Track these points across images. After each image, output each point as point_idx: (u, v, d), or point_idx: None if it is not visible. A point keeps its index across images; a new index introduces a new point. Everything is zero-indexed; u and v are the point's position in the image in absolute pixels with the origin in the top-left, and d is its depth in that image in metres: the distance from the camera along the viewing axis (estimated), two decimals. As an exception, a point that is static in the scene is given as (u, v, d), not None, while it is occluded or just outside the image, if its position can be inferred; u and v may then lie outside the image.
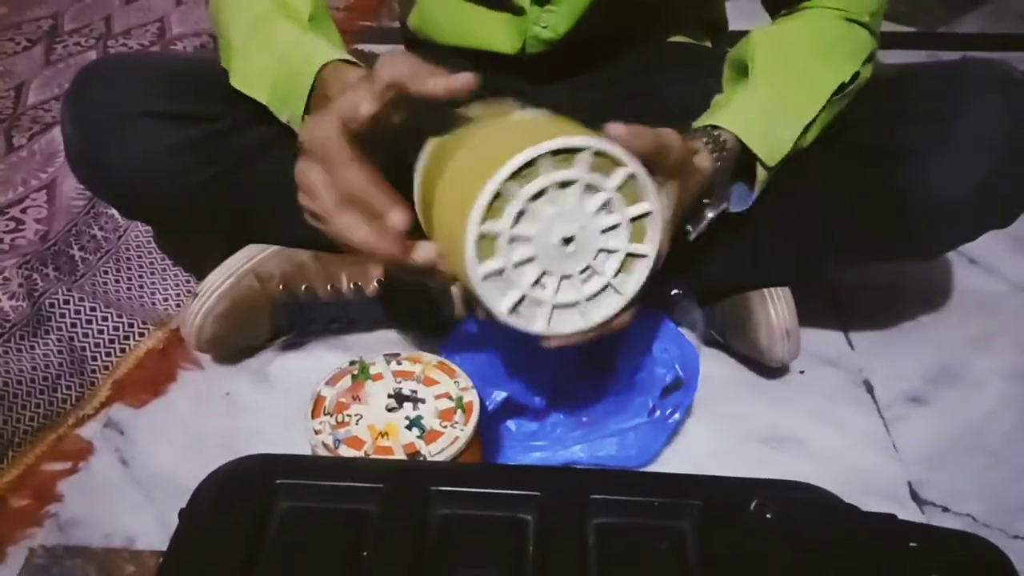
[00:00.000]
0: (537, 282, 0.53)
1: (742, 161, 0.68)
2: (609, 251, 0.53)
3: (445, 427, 0.59)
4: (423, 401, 0.61)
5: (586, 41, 0.84)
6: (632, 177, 0.50)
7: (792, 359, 0.81)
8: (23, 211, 0.88)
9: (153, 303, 0.89)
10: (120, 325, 0.84)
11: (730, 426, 0.79)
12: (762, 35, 0.71)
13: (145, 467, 0.75)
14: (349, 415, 0.60)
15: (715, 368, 0.84)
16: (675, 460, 0.75)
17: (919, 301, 0.94)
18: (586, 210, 0.51)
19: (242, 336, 0.82)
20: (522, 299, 0.53)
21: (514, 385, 0.72)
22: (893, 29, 0.73)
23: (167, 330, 0.87)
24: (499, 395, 0.70)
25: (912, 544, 0.45)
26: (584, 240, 0.52)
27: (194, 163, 0.73)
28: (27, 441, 0.74)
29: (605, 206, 0.51)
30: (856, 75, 0.69)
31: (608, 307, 0.55)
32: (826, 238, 0.74)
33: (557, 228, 0.51)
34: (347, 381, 0.63)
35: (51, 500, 0.71)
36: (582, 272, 0.53)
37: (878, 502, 0.72)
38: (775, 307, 0.78)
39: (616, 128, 0.52)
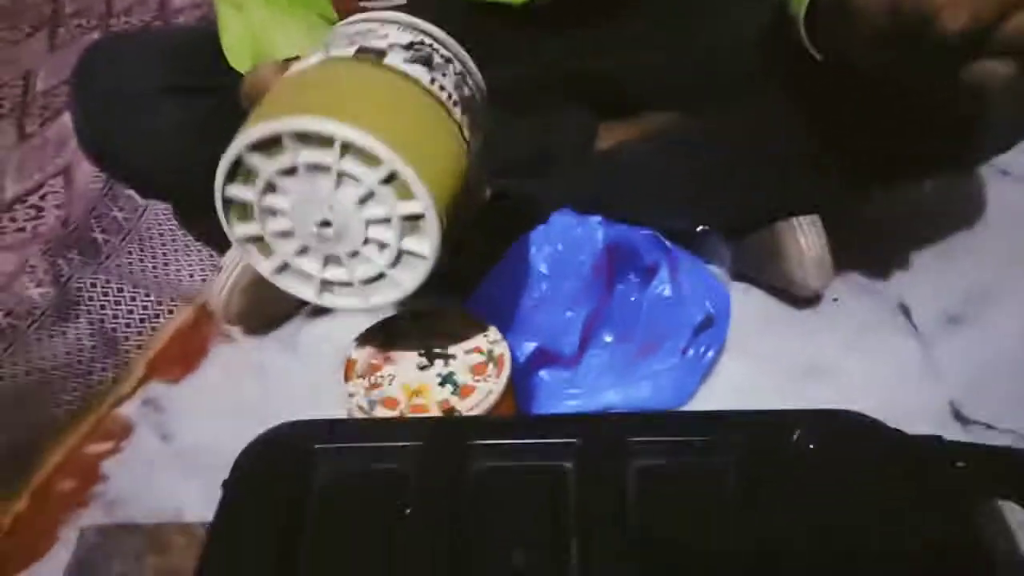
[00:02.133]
0: (300, 253, 0.52)
1: None
2: (379, 243, 0.51)
3: (478, 381, 0.59)
4: (454, 357, 0.61)
5: None
6: (395, 173, 0.47)
7: (825, 287, 0.79)
8: (42, 198, 0.88)
9: (179, 280, 0.90)
10: (149, 304, 0.84)
11: (765, 361, 0.78)
12: None
13: (185, 441, 0.76)
14: (382, 376, 0.60)
15: (746, 303, 0.82)
16: (711, 399, 0.75)
17: (952, 219, 0.91)
18: (343, 198, 0.49)
19: (269, 306, 0.82)
20: (286, 265, 0.53)
21: (544, 334, 0.71)
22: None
23: (196, 306, 0.87)
24: (530, 345, 0.70)
25: (959, 464, 0.44)
26: (347, 226, 0.50)
27: (201, 137, 0.72)
28: (68, 424, 0.76)
29: (370, 197, 0.49)
30: None
31: (387, 294, 0.53)
32: (852, 157, 0.72)
33: (311, 209, 0.50)
34: (377, 342, 0.63)
35: (96, 481, 0.73)
36: (352, 256, 0.52)
37: (920, 425, 0.69)
38: (805, 235, 0.76)
39: None
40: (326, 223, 0.50)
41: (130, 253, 0.88)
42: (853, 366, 0.77)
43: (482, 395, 0.58)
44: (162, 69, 0.71)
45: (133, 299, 0.84)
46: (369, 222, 0.50)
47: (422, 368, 0.61)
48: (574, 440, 0.47)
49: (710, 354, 0.73)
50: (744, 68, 0.81)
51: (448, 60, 0.55)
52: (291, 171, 0.49)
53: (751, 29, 0.81)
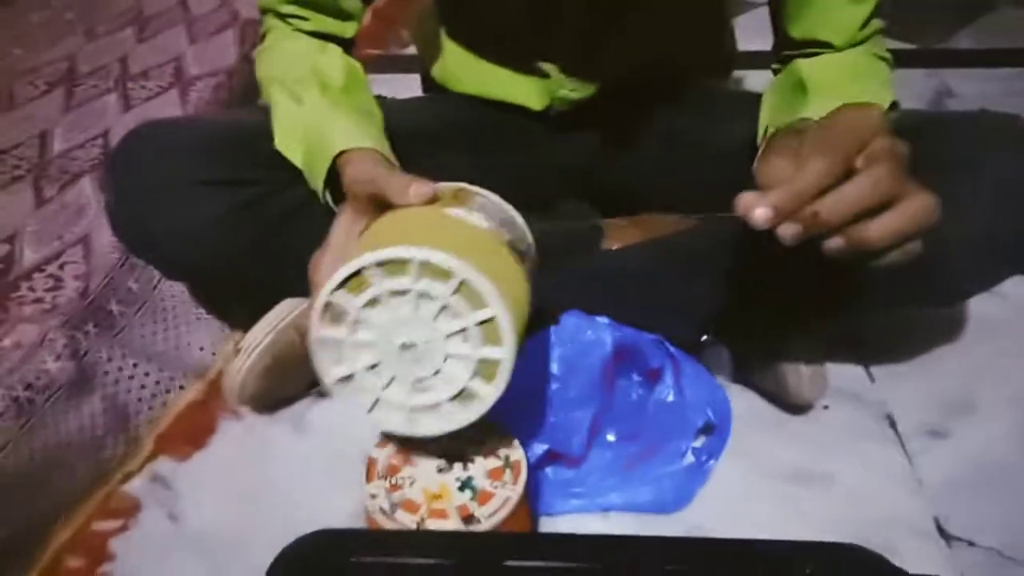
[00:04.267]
0: (389, 385, 0.56)
1: None
2: (459, 356, 0.55)
3: (496, 487, 0.61)
4: (472, 461, 0.64)
5: (614, 94, 0.87)
6: (465, 283, 0.52)
7: (819, 399, 0.83)
8: (61, 267, 0.90)
9: (191, 353, 0.91)
10: (161, 379, 0.86)
11: (758, 464, 0.81)
12: (809, 64, 0.73)
13: (193, 522, 0.77)
14: (402, 478, 0.62)
15: (739, 404, 0.86)
16: (708, 501, 0.77)
17: (933, 330, 0.96)
18: (423, 317, 0.54)
19: (283, 388, 0.84)
20: (377, 401, 0.57)
21: (554, 434, 0.74)
22: (891, 46, 0.75)
23: (206, 381, 0.89)
24: (541, 447, 0.73)
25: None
26: (428, 346, 0.55)
27: (239, 227, 0.75)
28: (77, 502, 0.76)
29: (445, 311, 0.53)
30: (894, 105, 0.70)
31: (470, 411, 0.57)
32: (840, 287, 0.76)
33: (396, 335, 0.54)
34: (397, 441, 0.65)
35: (104, 559, 0.73)
36: (435, 375, 0.56)
37: (906, 538, 0.74)
38: (801, 349, 0.80)
39: (745, 199, 0.48)
40: (408, 345, 0.55)
41: (143, 325, 0.90)
42: (842, 475, 0.80)
43: (500, 502, 0.60)
44: (202, 161, 0.74)
45: (147, 374, 0.85)
46: (449, 335, 0.54)
47: (440, 471, 0.63)
48: (600, 564, 0.49)
49: (712, 462, 0.76)
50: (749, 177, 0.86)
51: (497, 215, 0.62)
52: (373, 302, 0.54)
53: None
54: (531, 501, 0.74)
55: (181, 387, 0.87)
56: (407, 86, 1.06)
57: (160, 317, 0.92)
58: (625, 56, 0.86)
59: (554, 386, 0.76)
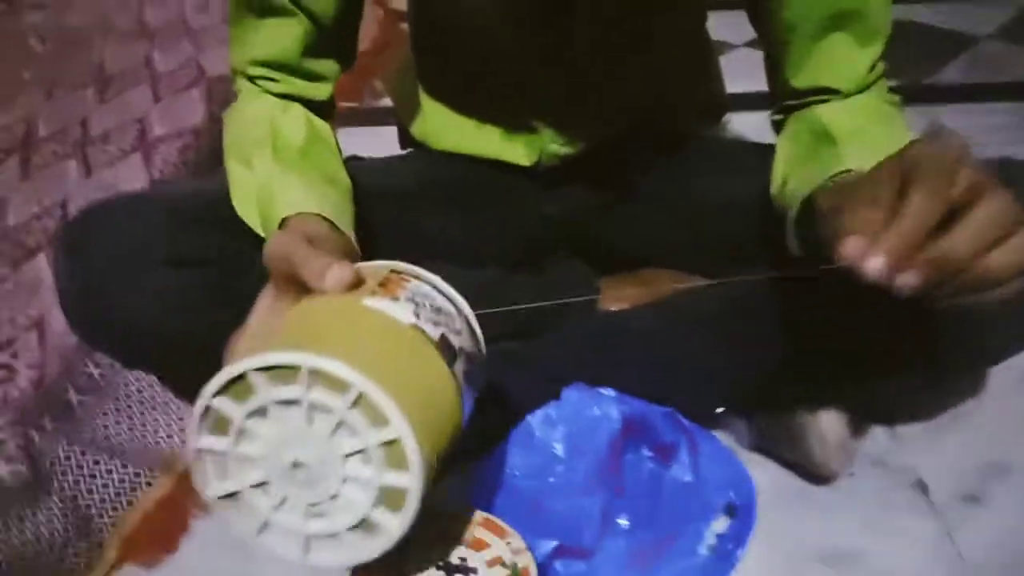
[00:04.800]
0: (280, 506, 0.48)
1: None
2: (359, 480, 0.47)
3: (503, 602, 0.54)
4: (475, 571, 0.56)
5: (605, 147, 0.81)
6: (364, 396, 0.44)
7: (846, 470, 0.77)
8: (13, 356, 0.82)
9: (157, 442, 0.84)
10: (126, 476, 0.78)
11: (784, 544, 0.74)
12: (830, 111, 0.68)
13: (164, 638, 0.69)
14: (396, 596, 0.55)
15: (760, 476, 0.79)
16: (734, 590, 0.71)
17: (959, 385, 0.90)
18: (317, 433, 0.46)
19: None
20: (266, 524, 0.49)
21: (562, 527, 0.67)
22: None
23: (175, 474, 0.81)
24: (549, 544, 0.66)
25: None
26: (323, 467, 0.47)
27: (209, 308, 0.68)
28: (34, 621, 0.68)
29: (342, 428, 0.46)
30: None
31: (374, 542, 0.48)
32: (871, 358, 0.70)
33: (285, 451, 0.47)
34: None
35: None
36: (332, 499, 0.48)
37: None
38: (826, 417, 0.74)
39: (852, 246, 0.43)
40: (299, 464, 0.47)
41: (105, 415, 0.83)
42: (874, 551, 0.74)
43: (510, 620, 0.53)
44: (164, 239, 0.67)
45: (109, 471, 0.77)
46: (347, 455, 0.46)
47: (440, 586, 0.56)
48: None
49: (738, 552, 0.69)
50: (751, 233, 0.80)
51: (430, 305, 0.54)
52: (260, 411, 0.46)
53: (761, 189, 0.80)
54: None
55: (148, 483, 0.79)
56: (383, 139, 1.00)
57: (124, 404, 0.84)
58: (617, 107, 0.81)
59: (559, 470, 0.69)
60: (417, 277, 0.55)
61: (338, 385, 0.44)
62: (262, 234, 0.66)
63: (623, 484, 0.73)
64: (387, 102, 1.32)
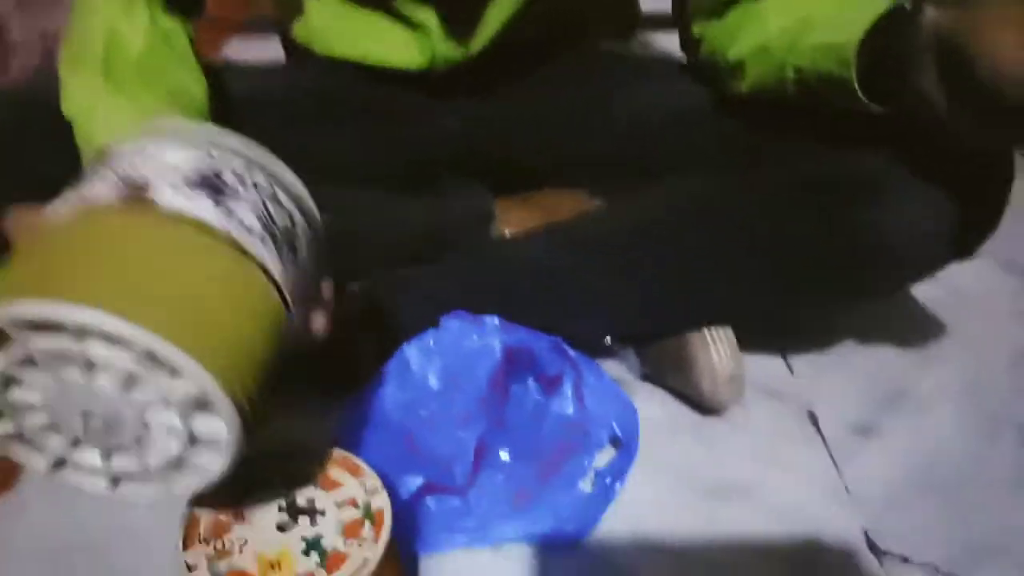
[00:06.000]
0: (75, 446, 0.43)
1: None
2: (163, 426, 0.41)
3: (350, 546, 0.49)
4: (323, 513, 0.51)
5: (501, 54, 0.75)
6: (152, 352, 0.38)
7: (736, 401, 0.74)
8: None
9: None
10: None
11: (671, 476, 0.71)
12: None
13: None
14: (231, 540, 0.49)
15: (649, 408, 0.76)
16: (615, 521, 0.67)
17: (856, 314, 0.88)
18: (103, 388, 0.40)
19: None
20: (63, 461, 0.44)
21: (432, 464, 0.63)
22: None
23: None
24: (415, 481, 0.61)
25: None
26: (117, 416, 0.41)
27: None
28: None
29: (131, 379, 0.39)
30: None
31: (190, 479, 0.44)
32: (771, 275, 0.67)
33: (68, 401, 0.40)
34: (226, 492, 0.51)
35: None
36: (137, 442, 0.42)
37: (834, 554, 0.66)
38: (717, 348, 0.70)
39: None
40: (90, 415, 0.40)
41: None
42: (762, 484, 0.71)
43: (355, 566, 0.48)
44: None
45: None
46: (144, 407, 0.40)
47: (282, 528, 0.50)
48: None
49: (617, 485, 0.66)
50: (663, 148, 0.75)
51: (240, 178, 0.45)
52: (29, 362, 0.39)
53: (675, 102, 0.75)
54: (409, 539, 0.62)
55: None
56: (275, 52, 0.92)
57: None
58: (515, 4, 0.73)
59: (433, 404, 0.64)
60: (205, 141, 0.45)
61: (117, 338, 0.37)
62: (82, 149, 0.59)
63: (504, 417, 0.68)
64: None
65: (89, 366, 0.39)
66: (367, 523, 0.51)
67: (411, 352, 0.65)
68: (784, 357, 0.84)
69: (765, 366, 0.82)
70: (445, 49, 0.75)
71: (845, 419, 0.77)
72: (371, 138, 0.84)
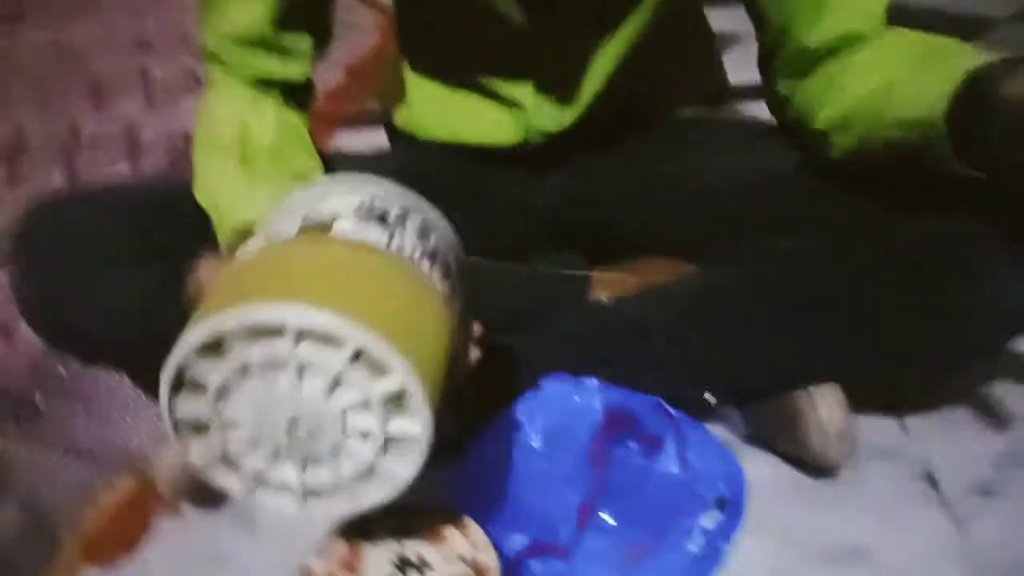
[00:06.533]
0: (273, 462, 0.45)
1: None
2: (361, 432, 0.44)
3: (460, 600, 0.50)
4: (431, 568, 0.52)
5: (593, 125, 0.78)
6: (362, 352, 0.41)
7: (846, 460, 0.71)
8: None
9: (124, 445, 0.80)
10: (88, 477, 0.75)
11: (784, 539, 0.69)
12: (879, 43, 0.65)
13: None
14: (346, 593, 0.51)
15: (757, 469, 0.74)
16: (726, 586, 0.65)
17: (972, 370, 0.84)
18: (309, 391, 0.42)
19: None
20: (259, 479, 0.46)
21: (537, 522, 0.63)
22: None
23: (140, 476, 0.78)
24: (521, 539, 0.61)
25: None
26: (321, 422, 0.43)
27: (164, 302, 0.65)
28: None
29: (339, 384, 0.42)
30: None
31: (380, 490, 0.46)
32: (873, 345, 0.66)
33: (274, 411, 0.43)
34: (341, 548, 0.54)
35: None
36: (333, 452, 0.44)
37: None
38: (824, 404, 0.69)
39: None
40: (294, 422, 0.43)
41: (73, 417, 0.80)
42: (881, 547, 0.68)
43: (465, 619, 0.49)
44: (118, 233, 0.65)
45: (70, 472, 0.74)
46: (345, 411, 0.43)
47: (394, 581, 0.51)
48: None
49: (726, 546, 0.64)
50: (757, 214, 0.76)
51: (403, 216, 0.51)
52: (243, 372, 0.42)
53: (768, 167, 0.76)
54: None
55: (110, 484, 0.76)
56: (382, 142, 0.97)
57: (92, 406, 0.81)
58: (607, 77, 0.77)
59: (537, 463, 0.65)
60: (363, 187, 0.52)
61: (330, 340, 0.41)
62: (216, 229, 0.64)
63: (607, 478, 0.68)
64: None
65: (300, 371, 0.42)
66: (475, 577, 0.51)
67: (515, 412, 0.66)
68: (897, 415, 0.81)
69: (877, 425, 0.79)
70: (540, 123, 0.78)
71: (965, 479, 0.74)
72: (467, 216, 0.87)
